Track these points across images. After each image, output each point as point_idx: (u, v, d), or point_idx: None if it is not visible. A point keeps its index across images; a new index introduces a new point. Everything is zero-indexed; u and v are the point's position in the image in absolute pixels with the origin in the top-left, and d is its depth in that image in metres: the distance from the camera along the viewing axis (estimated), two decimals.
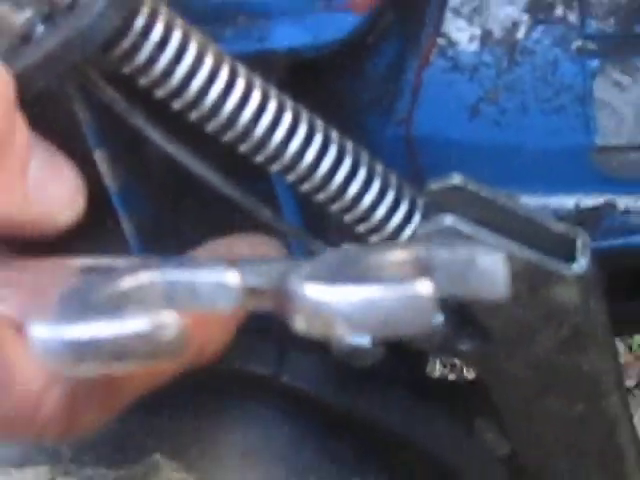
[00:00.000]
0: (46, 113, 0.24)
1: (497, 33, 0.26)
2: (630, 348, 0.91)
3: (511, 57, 0.26)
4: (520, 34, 0.26)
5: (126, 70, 0.23)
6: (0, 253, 0.24)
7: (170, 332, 0.17)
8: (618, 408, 0.26)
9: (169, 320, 0.17)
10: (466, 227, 0.23)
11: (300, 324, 0.17)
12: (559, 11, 0.26)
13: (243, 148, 0.24)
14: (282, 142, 0.24)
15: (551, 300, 0.24)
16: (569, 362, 0.24)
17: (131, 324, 0.17)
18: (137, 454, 0.26)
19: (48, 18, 0.23)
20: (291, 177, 0.25)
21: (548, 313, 0.24)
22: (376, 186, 0.25)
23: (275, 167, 0.24)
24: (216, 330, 0.24)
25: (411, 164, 0.27)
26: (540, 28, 0.26)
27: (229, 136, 0.24)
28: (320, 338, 0.19)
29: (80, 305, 0.18)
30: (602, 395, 0.25)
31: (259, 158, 0.24)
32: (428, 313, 0.17)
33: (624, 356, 0.88)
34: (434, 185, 0.24)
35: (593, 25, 0.25)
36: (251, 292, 0.18)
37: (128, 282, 0.18)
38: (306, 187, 0.25)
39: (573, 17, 0.26)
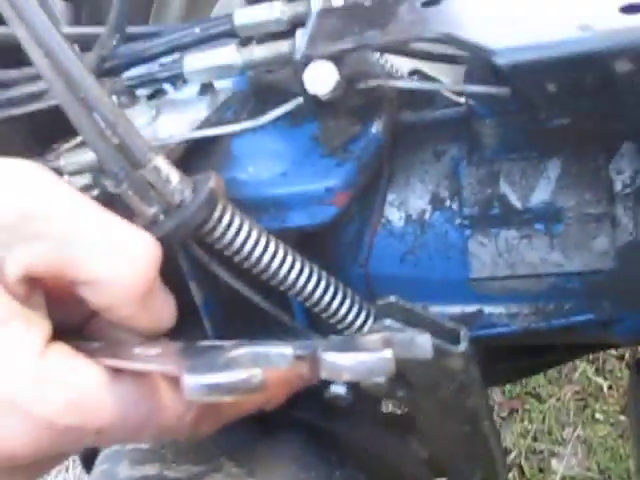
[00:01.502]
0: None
1: (414, 215, 0.45)
2: (504, 392, 1.12)
3: (422, 229, 0.45)
4: (427, 216, 0.45)
5: (208, 240, 0.41)
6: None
7: (257, 379, 0.33)
8: (490, 429, 0.43)
9: (256, 373, 0.33)
10: (404, 302, 0.40)
11: (323, 374, 0.34)
12: (447, 203, 0.45)
13: (273, 282, 0.42)
14: (295, 278, 0.42)
15: (447, 366, 0.42)
16: (459, 401, 0.42)
17: (237, 374, 0.33)
18: (209, 457, 0.42)
19: (167, 211, 0.41)
20: (300, 298, 0.43)
21: (445, 373, 0.41)
22: (347, 303, 0.43)
23: (291, 292, 0.42)
24: (280, 387, 0.41)
25: (368, 290, 0.45)
26: (437, 213, 0.45)
27: (265, 275, 0.42)
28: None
29: (207, 366, 0.35)
30: (479, 420, 0.43)
31: (282, 287, 0.42)
32: (389, 367, 0.34)
33: (499, 397, 1.11)
34: (380, 301, 0.42)
35: (466, 211, 0.45)
36: (298, 358, 0.35)
37: (232, 353, 0.35)
38: (308, 304, 0.43)
39: (455, 206, 0.45)
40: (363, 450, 0.45)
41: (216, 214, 0.39)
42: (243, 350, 0.34)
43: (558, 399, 1.11)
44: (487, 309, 0.45)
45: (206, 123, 0.42)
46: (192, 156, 0.42)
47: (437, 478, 0.49)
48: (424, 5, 0.38)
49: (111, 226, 0.34)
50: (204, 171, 0.40)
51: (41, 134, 0.47)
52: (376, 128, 0.43)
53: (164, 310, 0.38)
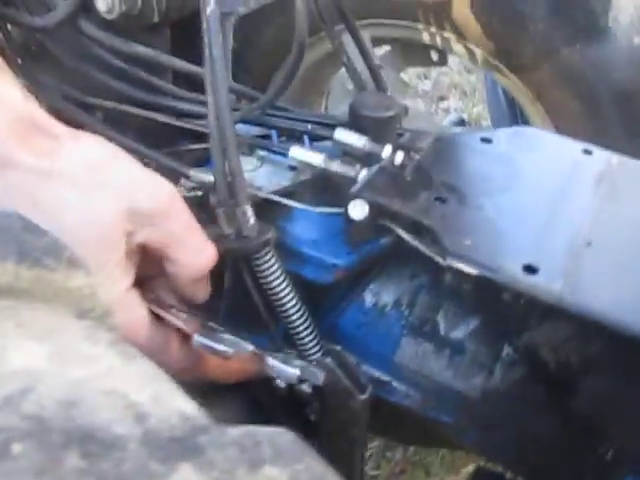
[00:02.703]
0: None
1: (379, 304, 0.67)
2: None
3: (380, 314, 0.67)
4: (387, 309, 0.67)
5: (252, 264, 0.64)
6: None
7: (228, 353, 0.56)
8: (358, 458, 0.66)
9: (229, 351, 0.56)
10: (345, 353, 0.64)
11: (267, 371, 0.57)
12: (402, 308, 0.67)
13: (276, 305, 0.65)
14: (290, 310, 0.65)
15: (350, 405, 0.64)
16: (348, 426, 0.64)
17: (221, 347, 0.56)
18: None
19: (237, 235, 0.63)
20: (286, 321, 0.65)
21: (347, 407, 0.64)
22: (313, 337, 0.66)
23: (283, 315, 0.65)
24: (236, 370, 0.63)
25: (330, 335, 0.67)
26: (393, 311, 0.67)
27: (274, 299, 0.64)
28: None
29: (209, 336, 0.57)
30: (355, 446, 0.65)
31: (279, 310, 0.65)
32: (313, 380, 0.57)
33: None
34: (330, 345, 0.64)
35: (410, 320, 0.67)
36: (254, 353, 0.57)
37: (224, 335, 0.57)
38: (290, 326, 0.65)
39: (406, 312, 0.67)
40: None
41: (265, 252, 0.61)
42: (228, 337, 0.57)
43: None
44: (395, 383, 0.67)
45: (283, 191, 0.65)
46: (268, 205, 0.65)
47: None
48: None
49: (197, 232, 0.56)
50: (271, 219, 0.62)
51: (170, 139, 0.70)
52: (383, 242, 0.65)
53: (202, 292, 0.60)
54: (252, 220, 0.59)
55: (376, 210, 0.59)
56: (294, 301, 0.63)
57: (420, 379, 0.66)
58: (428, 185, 0.60)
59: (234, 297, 0.68)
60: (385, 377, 0.67)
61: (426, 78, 2.45)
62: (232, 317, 0.69)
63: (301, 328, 0.64)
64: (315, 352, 0.65)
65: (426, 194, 0.59)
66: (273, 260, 0.61)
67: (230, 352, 0.56)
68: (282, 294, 0.62)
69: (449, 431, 0.67)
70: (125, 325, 0.52)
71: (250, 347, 0.57)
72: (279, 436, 0.29)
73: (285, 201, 0.63)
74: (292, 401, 0.66)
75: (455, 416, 0.65)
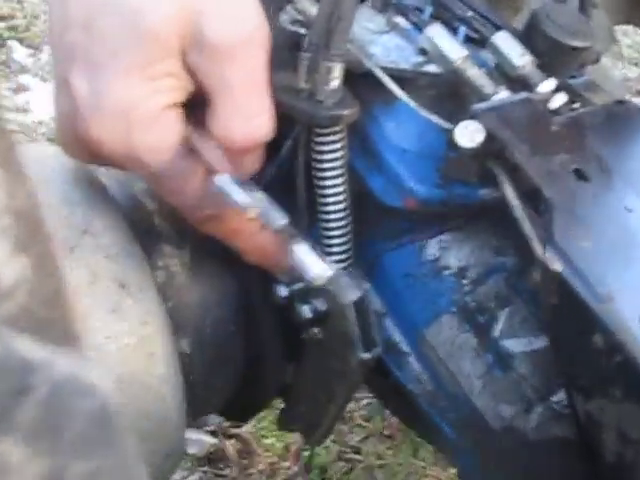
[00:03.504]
0: None
1: (440, 263, 0.52)
2: None
3: (436, 275, 0.52)
4: (445, 273, 0.52)
5: (314, 140, 0.50)
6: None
7: (251, 212, 0.44)
8: (340, 396, 0.53)
9: (254, 211, 0.43)
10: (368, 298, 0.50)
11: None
12: (464, 282, 0.52)
13: (321, 197, 0.51)
14: (334, 205, 0.51)
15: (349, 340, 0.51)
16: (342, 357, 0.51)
17: (244, 199, 0.43)
18: None
19: (311, 94, 0.49)
20: (325, 217, 0.51)
21: (346, 340, 0.51)
22: (344, 248, 0.52)
23: (323, 209, 0.51)
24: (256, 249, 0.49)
25: (366, 265, 0.53)
26: (452, 279, 0.52)
27: (321, 189, 0.51)
28: None
29: (237, 183, 0.44)
30: (340, 382, 0.52)
31: (322, 202, 0.51)
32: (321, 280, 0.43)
33: None
34: (361, 279, 0.51)
35: (467, 299, 0.51)
36: (282, 229, 0.44)
37: (255, 191, 0.44)
38: (324, 225, 0.52)
39: (468, 288, 0.52)
40: None
41: (333, 130, 0.47)
42: (262, 196, 0.45)
43: None
44: (411, 359, 0.53)
45: (396, 71, 0.49)
46: (367, 81, 0.49)
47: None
48: None
49: (261, 93, 0.44)
50: (363, 100, 0.47)
51: None
52: (481, 194, 0.49)
53: (247, 166, 0.47)
54: (336, 83, 0.45)
55: (492, 146, 0.43)
56: (341, 206, 0.49)
57: (442, 371, 0.51)
58: (575, 150, 0.43)
59: (281, 170, 0.54)
60: (405, 347, 0.53)
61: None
62: (269, 193, 0.56)
63: (335, 241, 0.50)
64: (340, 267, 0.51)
65: (567, 159, 0.42)
66: (339, 145, 0.46)
67: (252, 207, 0.44)
68: (330, 191, 0.48)
69: (443, 443, 0.53)
70: (152, 144, 0.43)
71: (283, 219, 0.45)
72: None
73: (391, 85, 0.48)
74: (286, 316, 0.53)
75: (459, 435, 0.51)
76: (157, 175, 0.44)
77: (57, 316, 0.19)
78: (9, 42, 1.87)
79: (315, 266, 0.44)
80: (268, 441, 1.08)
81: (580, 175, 0.42)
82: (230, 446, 1.07)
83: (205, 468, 1.07)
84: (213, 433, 1.08)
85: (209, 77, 0.43)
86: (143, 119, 0.42)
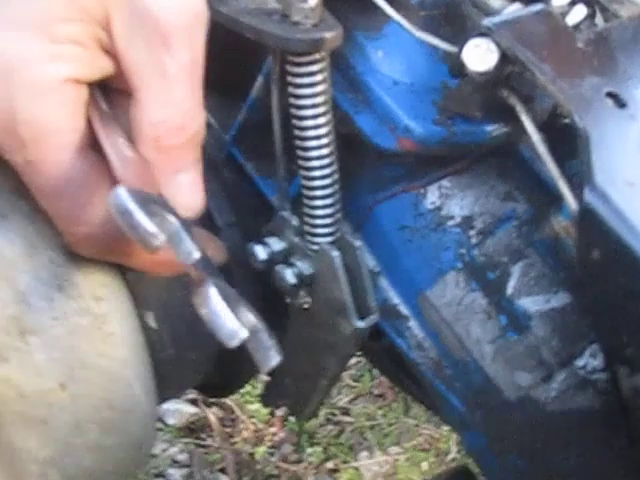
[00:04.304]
0: None
1: (442, 213, 0.46)
2: None
3: (437, 227, 0.46)
4: (448, 223, 0.46)
5: (290, 72, 0.42)
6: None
7: (155, 243, 0.31)
8: (331, 369, 0.46)
9: (161, 240, 0.31)
10: (362, 255, 0.43)
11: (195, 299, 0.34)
12: (471, 234, 0.45)
13: (301, 143, 0.43)
14: (318, 160, 0.43)
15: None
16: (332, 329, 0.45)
17: (150, 226, 0.30)
18: None
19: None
20: (306, 174, 0.44)
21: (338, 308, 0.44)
22: (331, 211, 0.45)
23: (305, 163, 0.44)
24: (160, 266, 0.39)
25: (355, 220, 0.46)
26: (457, 229, 0.45)
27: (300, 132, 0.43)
28: None
29: (142, 201, 0.31)
30: (330, 356, 0.46)
31: (302, 151, 0.43)
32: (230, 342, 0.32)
33: None
34: (349, 236, 0.44)
35: (474, 253, 0.45)
36: (195, 265, 0.33)
37: (168, 216, 0.33)
38: (306, 183, 0.44)
39: (474, 240, 0.45)
40: None
41: (314, 58, 0.38)
42: (175, 221, 0.34)
43: None
44: (412, 324, 0.46)
45: None
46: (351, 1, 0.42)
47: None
48: None
49: (196, 87, 0.35)
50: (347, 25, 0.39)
51: None
52: (490, 130, 0.42)
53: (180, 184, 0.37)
54: (314, 1, 0.37)
55: (507, 68, 0.35)
56: (326, 150, 0.41)
57: (447, 336, 0.45)
58: (606, 71, 0.36)
59: (254, 112, 0.47)
60: (404, 310, 0.46)
61: None
62: (242, 140, 0.49)
63: (320, 192, 0.43)
64: (325, 234, 0.44)
65: (598, 82, 0.35)
66: (319, 77, 0.39)
67: (158, 239, 0.32)
68: (312, 132, 0.40)
69: (450, 415, 0.47)
70: (39, 118, 0.33)
71: (196, 254, 0.33)
72: None
73: (381, 3, 0.40)
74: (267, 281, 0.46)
75: (468, 407, 0.45)
76: (37, 168, 0.34)
77: None
78: None
79: (229, 322, 0.32)
80: (252, 407, 1.02)
81: (616, 100, 0.34)
82: (212, 414, 1.01)
83: (187, 439, 1.01)
84: (193, 402, 1.02)
85: (139, 58, 0.34)
86: (32, 84, 0.33)
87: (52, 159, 0.34)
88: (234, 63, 0.39)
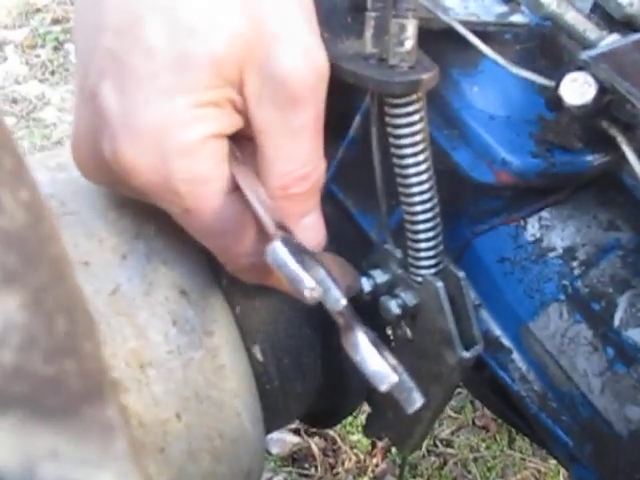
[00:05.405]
0: None
1: (543, 244, 0.45)
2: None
3: (539, 259, 0.45)
4: (549, 255, 0.45)
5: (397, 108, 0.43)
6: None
7: (309, 294, 0.32)
8: (436, 400, 0.47)
9: (315, 292, 0.32)
10: (466, 285, 0.43)
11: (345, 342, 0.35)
12: (574, 266, 0.45)
13: (402, 179, 0.44)
14: (419, 195, 0.44)
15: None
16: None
17: (305, 280, 0.32)
18: None
19: (382, 61, 0.42)
20: (408, 209, 0.45)
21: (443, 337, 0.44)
22: (433, 244, 0.46)
23: (407, 199, 0.45)
24: None
25: (455, 253, 0.47)
26: (557, 260, 0.45)
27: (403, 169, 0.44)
28: None
29: (295, 253, 0.33)
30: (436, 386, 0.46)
31: (404, 186, 0.45)
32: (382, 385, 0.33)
33: None
34: (454, 267, 0.44)
35: (576, 284, 0.44)
36: (340, 313, 0.34)
37: (315, 266, 0.33)
38: (408, 218, 0.45)
39: (577, 272, 0.45)
40: None
41: (410, 99, 0.39)
42: (320, 269, 0.34)
43: None
44: (514, 356, 0.46)
45: (479, 25, 0.42)
46: (446, 39, 0.42)
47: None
48: None
49: (317, 139, 0.38)
50: (441, 62, 0.40)
51: None
52: (591, 160, 0.42)
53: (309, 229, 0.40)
54: (409, 44, 0.38)
55: (606, 98, 0.35)
56: (427, 185, 0.42)
57: (552, 368, 0.44)
58: None
59: (352, 151, 0.48)
60: (506, 342, 0.46)
61: None
62: (341, 178, 0.50)
63: (422, 226, 0.44)
64: (428, 266, 0.45)
65: None
66: (418, 117, 0.40)
67: (313, 290, 0.33)
68: (413, 169, 0.41)
69: (557, 448, 0.46)
70: (191, 175, 0.36)
71: (344, 301, 0.34)
72: None
73: (475, 41, 0.41)
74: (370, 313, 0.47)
75: (576, 442, 0.44)
76: (195, 215, 0.37)
77: (69, 370, 0.13)
78: (66, 45, 1.86)
79: (379, 367, 0.33)
80: (354, 437, 1.02)
81: None
82: (314, 444, 1.02)
83: (289, 468, 1.02)
84: (296, 431, 1.03)
85: (268, 116, 0.36)
86: (183, 143, 0.35)
87: (207, 205, 0.37)
88: (331, 105, 0.41)
